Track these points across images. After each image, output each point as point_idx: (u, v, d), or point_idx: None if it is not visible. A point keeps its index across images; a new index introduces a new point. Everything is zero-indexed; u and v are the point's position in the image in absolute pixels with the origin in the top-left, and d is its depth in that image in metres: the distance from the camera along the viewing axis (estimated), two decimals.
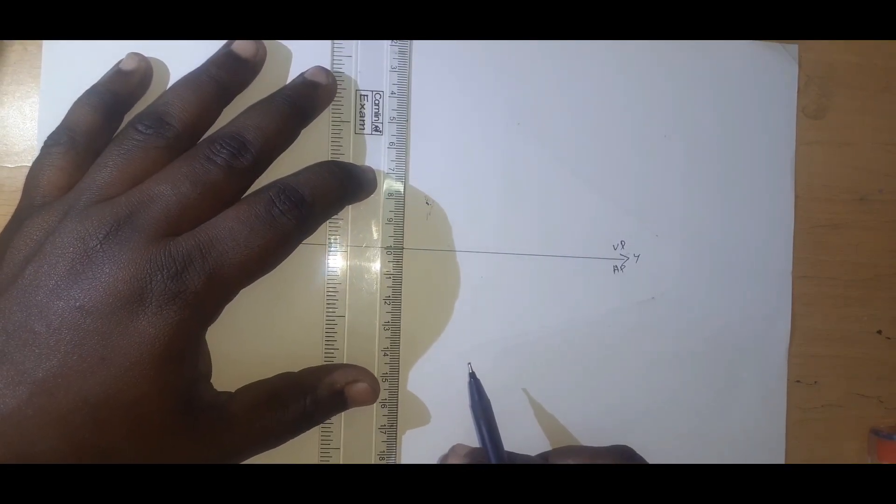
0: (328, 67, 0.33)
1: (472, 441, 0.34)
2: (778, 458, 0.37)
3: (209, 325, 0.29)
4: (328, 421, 0.33)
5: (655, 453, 0.35)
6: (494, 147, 0.35)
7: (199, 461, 0.28)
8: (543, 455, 0.35)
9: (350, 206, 0.33)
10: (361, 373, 0.33)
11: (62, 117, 0.30)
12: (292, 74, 0.33)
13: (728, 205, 0.37)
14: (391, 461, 0.34)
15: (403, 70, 0.34)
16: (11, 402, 0.25)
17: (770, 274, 0.37)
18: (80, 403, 0.25)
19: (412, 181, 0.34)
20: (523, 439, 0.35)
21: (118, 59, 0.32)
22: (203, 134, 0.31)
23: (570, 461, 0.33)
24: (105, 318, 0.26)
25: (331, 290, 0.34)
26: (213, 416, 0.29)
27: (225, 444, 0.29)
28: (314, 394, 0.31)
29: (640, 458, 0.33)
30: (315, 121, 0.33)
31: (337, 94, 0.33)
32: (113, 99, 0.31)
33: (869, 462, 0.39)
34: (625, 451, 0.33)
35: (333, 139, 0.34)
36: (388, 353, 0.34)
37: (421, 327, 0.34)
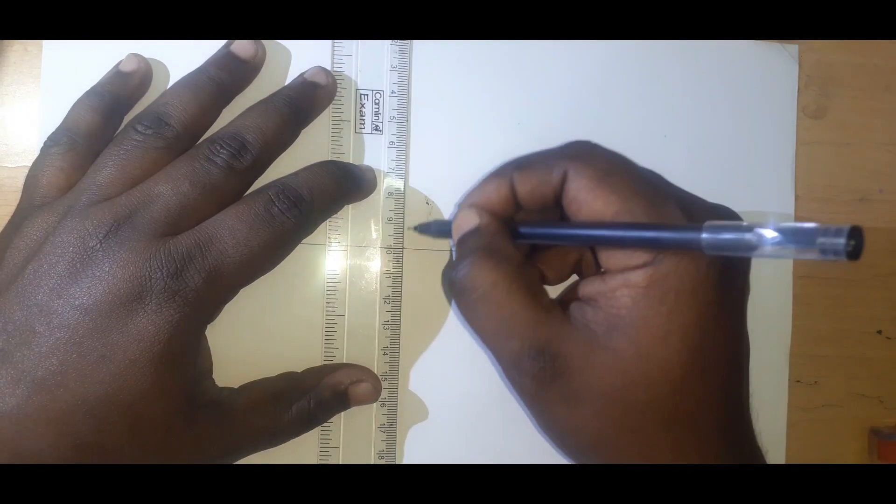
0: (328, 67, 0.33)
1: (474, 441, 0.34)
2: (778, 458, 0.37)
3: (209, 323, 0.29)
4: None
5: None
6: (494, 147, 0.35)
7: (199, 457, 0.28)
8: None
9: (350, 205, 0.33)
10: (363, 372, 0.33)
11: (62, 118, 0.30)
12: (292, 74, 0.33)
13: (728, 204, 0.37)
14: (390, 460, 0.34)
15: (403, 69, 0.34)
16: (11, 401, 0.25)
17: (770, 274, 0.37)
18: (79, 402, 0.26)
19: (412, 181, 0.34)
20: (522, 441, 0.35)
21: (118, 60, 0.32)
22: (202, 134, 0.31)
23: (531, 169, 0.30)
24: (105, 317, 0.26)
25: (330, 289, 0.34)
26: (215, 413, 0.29)
27: (226, 441, 0.29)
28: (317, 394, 0.31)
29: (602, 147, 0.30)
30: (315, 120, 0.33)
31: (337, 94, 0.33)
32: (112, 100, 0.31)
33: (869, 462, 0.38)
34: (582, 145, 0.30)
35: (333, 138, 0.34)
36: (387, 352, 0.34)
37: (421, 327, 0.34)
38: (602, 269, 0.29)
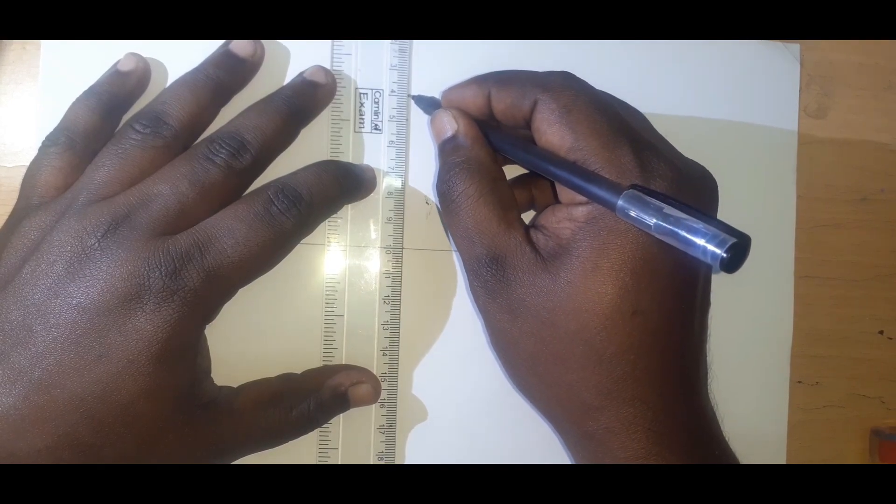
0: (328, 65, 0.33)
1: (473, 442, 0.34)
2: (779, 458, 0.37)
3: (208, 323, 0.29)
4: None
5: None
6: None
7: (197, 457, 0.28)
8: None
9: (349, 205, 0.33)
10: (363, 374, 0.33)
11: (60, 117, 0.30)
12: (291, 73, 0.33)
13: (729, 204, 0.37)
14: (390, 461, 0.34)
15: (403, 68, 0.34)
16: (8, 401, 0.25)
17: (772, 274, 0.37)
18: (77, 402, 0.25)
19: (412, 180, 0.34)
20: (522, 442, 0.35)
21: (117, 60, 0.31)
22: (201, 134, 0.31)
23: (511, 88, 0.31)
24: (102, 316, 0.26)
25: (330, 289, 0.33)
26: (214, 412, 0.29)
27: (225, 440, 0.29)
28: (318, 397, 0.31)
29: (576, 80, 0.31)
30: (314, 119, 0.33)
31: (336, 93, 0.33)
32: (111, 100, 0.30)
33: (870, 463, 0.38)
34: (557, 76, 0.31)
35: (333, 138, 0.33)
36: (387, 352, 0.34)
37: (420, 327, 0.34)
38: (557, 201, 0.31)
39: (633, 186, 0.27)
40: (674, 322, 0.29)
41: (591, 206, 0.28)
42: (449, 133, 0.31)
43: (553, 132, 0.29)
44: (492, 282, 0.29)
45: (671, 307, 0.29)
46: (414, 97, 0.34)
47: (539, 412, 0.33)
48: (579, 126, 0.29)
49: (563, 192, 0.30)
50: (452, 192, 0.30)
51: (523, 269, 0.29)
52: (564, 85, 0.30)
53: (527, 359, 0.30)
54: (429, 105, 0.34)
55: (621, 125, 0.29)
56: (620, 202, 0.26)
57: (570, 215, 0.29)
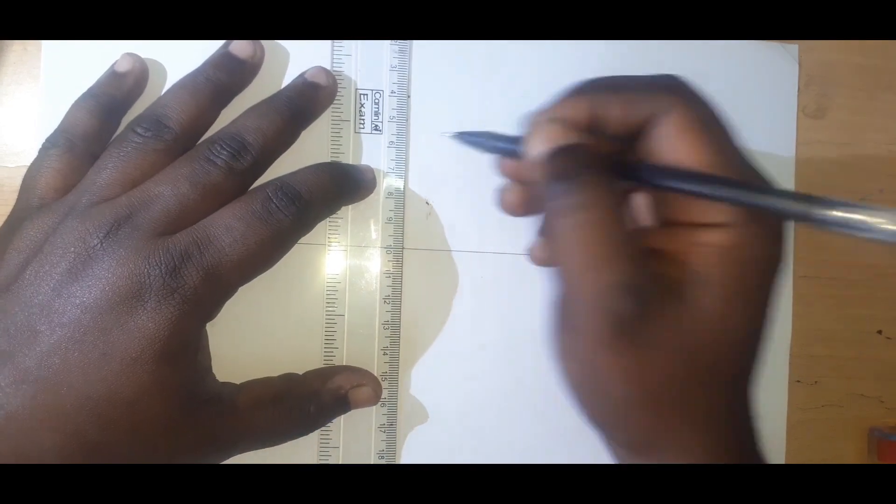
0: (328, 66, 0.33)
1: (474, 441, 0.34)
2: (778, 457, 0.37)
3: (209, 321, 0.29)
4: None
5: None
6: None
7: (200, 453, 0.28)
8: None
9: (349, 205, 0.33)
10: (364, 376, 0.33)
11: (62, 118, 0.30)
12: (291, 74, 0.33)
13: None
14: (391, 460, 0.34)
15: (403, 69, 0.34)
16: (15, 402, 0.25)
17: None
18: (83, 400, 0.26)
19: (412, 180, 0.34)
20: (522, 442, 0.35)
21: (117, 60, 0.31)
22: (202, 135, 0.31)
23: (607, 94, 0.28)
24: (105, 315, 0.26)
25: (330, 289, 0.34)
26: (216, 408, 0.29)
27: (226, 436, 0.29)
28: (317, 398, 0.31)
29: (691, 89, 0.28)
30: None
31: (336, 93, 0.33)
32: (109, 101, 0.31)
33: (869, 462, 0.38)
34: (678, 80, 0.28)
35: (333, 138, 0.34)
36: (387, 352, 0.34)
37: (421, 327, 0.34)
38: (661, 221, 0.28)
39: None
40: (760, 342, 0.28)
41: (731, 229, 0.26)
42: (561, 142, 0.27)
43: (689, 142, 0.26)
44: (628, 313, 0.25)
45: (762, 329, 0.28)
46: (462, 135, 0.31)
47: (611, 439, 0.29)
48: (724, 142, 0.26)
49: (682, 212, 0.27)
50: (590, 207, 0.26)
51: (658, 298, 0.26)
52: (696, 94, 0.27)
53: (640, 392, 0.26)
54: (490, 140, 0.30)
55: (742, 150, 0.27)
56: (819, 210, 0.24)
57: (698, 240, 0.26)
